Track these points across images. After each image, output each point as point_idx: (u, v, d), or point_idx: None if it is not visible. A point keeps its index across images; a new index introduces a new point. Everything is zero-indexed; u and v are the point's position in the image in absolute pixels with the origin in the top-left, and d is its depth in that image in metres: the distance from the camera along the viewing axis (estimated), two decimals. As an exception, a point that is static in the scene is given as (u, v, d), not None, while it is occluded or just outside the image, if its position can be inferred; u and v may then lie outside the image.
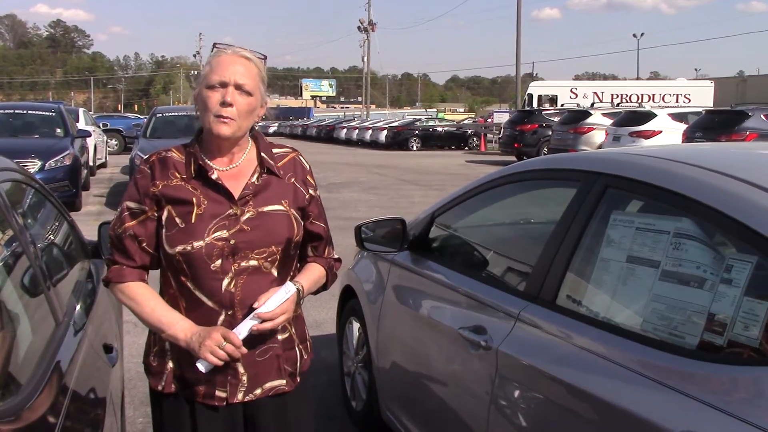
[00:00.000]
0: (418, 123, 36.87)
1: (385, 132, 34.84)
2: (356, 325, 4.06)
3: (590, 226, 2.34)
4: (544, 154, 17.96)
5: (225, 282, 1.98)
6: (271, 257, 2.03)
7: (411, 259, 3.38)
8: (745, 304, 1.75)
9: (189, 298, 2.01)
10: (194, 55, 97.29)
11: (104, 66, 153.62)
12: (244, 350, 1.96)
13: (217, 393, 2.04)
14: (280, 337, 2.09)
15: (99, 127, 22.97)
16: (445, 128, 35.16)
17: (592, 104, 26.92)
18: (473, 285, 2.83)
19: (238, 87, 1.96)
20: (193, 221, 1.98)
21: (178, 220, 1.99)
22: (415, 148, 33.54)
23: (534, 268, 2.51)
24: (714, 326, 1.81)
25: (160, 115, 14.10)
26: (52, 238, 2.92)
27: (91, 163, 16.86)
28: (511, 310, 2.46)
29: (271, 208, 2.04)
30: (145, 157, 2.12)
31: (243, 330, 1.96)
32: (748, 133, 14.17)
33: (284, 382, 2.11)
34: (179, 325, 1.98)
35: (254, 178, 2.05)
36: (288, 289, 2.01)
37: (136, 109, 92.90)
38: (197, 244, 1.96)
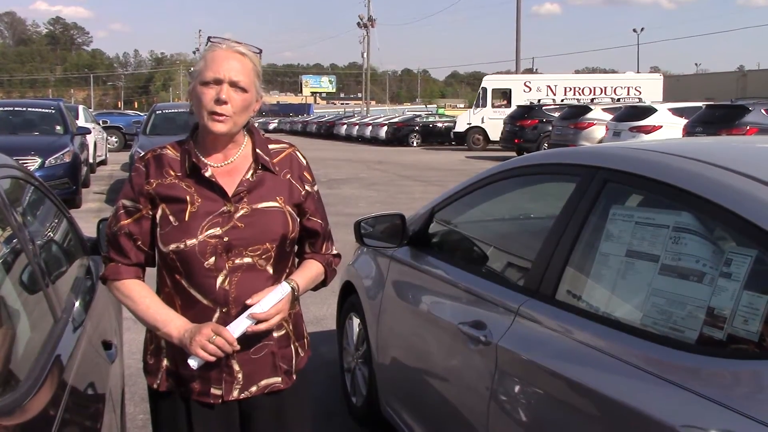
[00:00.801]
0: (418, 119, 36.88)
1: (385, 128, 34.85)
2: (356, 321, 4.06)
3: (590, 220, 2.33)
4: (545, 150, 17.93)
5: (219, 279, 1.97)
6: (265, 254, 2.02)
7: (411, 254, 3.38)
8: (744, 297, 1.75)
9: (184, 295, 2.01)
10: (194, 52, 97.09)
11: (104, 63, 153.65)
12: (237, 346, 1.95)
13: (212, 390, 2.03)
14: (275, 334, 2.08)
15: (99, 124, 22.98)
16: (446, 124, 35.15)
17: (539, 101, 26.76)
18: (473, 280, 2.82)
19: (233, 84, 1.95)
20: (186, 219, 1.97)
21: (172, 218, 1.98)
22: (415, 144, 33.57)
23: (533, 263, 2.51)
24: (714, 320, 1.80)
25: (160, 112, 14.09)
26: (51, 235, 2.92)
27: (91, 161, 16.85)
28: (511, 305, 2.46)
29: (266, 204, 2.03)
30: (141, 155, 2.11)
31: (237, 328, 1.94)
32: (748, 127, 14.15)
33: (279, 379, 2.10)
34: (173, 323, 1.98)
35: (249, 175, 2.04)
36: (283, 290, 2.00)
37: (135, 106, 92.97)
38: (190, 242, 1.95)
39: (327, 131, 43.62)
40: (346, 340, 4.26)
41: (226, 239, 1.97)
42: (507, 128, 25.11)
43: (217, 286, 1.98)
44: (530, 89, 30.46)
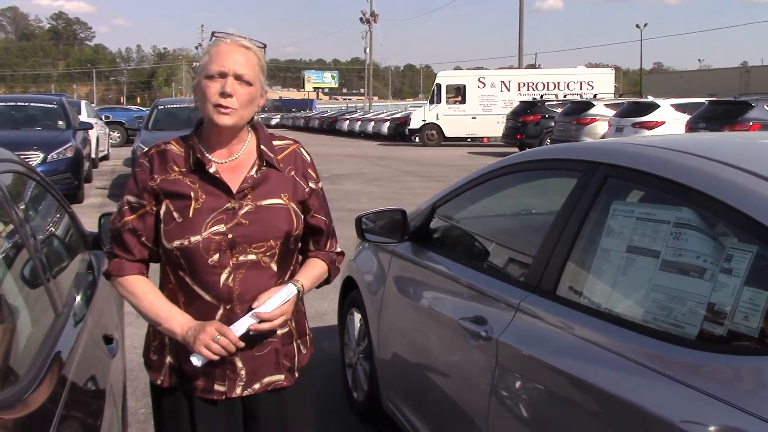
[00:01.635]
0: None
1: (387, 123, 34.78)
2: (357, 316, 4.06)
3: (590, 216, 2.33)
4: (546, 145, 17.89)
5: (223, 276, 1.97)
6: (269, 251, 2.01)
7: (412, 250, 3.37)
8: (745, 293, 1.74)
9: (187, 292, 2.01)
10: (196, 47, 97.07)
11: (106, 58, 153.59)
12: (241, 344, 1.95)
13: (216, 387, 2.03)
14: (279, 332, 2.08)
15: (101, 119, 22.97)
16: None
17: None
18: (474, 276, 2.82)
19: (238, 77, 1.94)
20: (190, 215, 1.97)
21: (175, 214, 1.98)
22: (417, 139, 33.47)
23: (534, 259, 2.51)
24: (714, 316, 1.80)
25: (162, 107, 14.07)
26: (53, 229, 2.92)
27: (93, 156, 16.87)
28: (512, 301, 2.46)
29: (270, 201, 2.02)
30: (145, 150, 2.11)
31: (240, 327, 1.95)
32: (751, 123, 14.10)
33: (282, 377, 2.10)
34: (176, 320, 1.97)
35: (253, 171, 2.03)
36: (289, 291, 2.01)
37: (138, 101, 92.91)
38: (194, 238, 1.95)
39: (329, 127, 43.58)
40: (347, 336, 4.27)
41: (230, 236, 1.96)
42: (509, 124, 25.06)
43: (221, 283, 1.97)
44: (484, 85, 30.33)
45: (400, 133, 33.66)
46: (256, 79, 1.98)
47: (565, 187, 2.50)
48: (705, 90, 33.51)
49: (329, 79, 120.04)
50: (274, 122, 52.29)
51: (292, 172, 2.09)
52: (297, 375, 2.14)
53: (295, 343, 2.14)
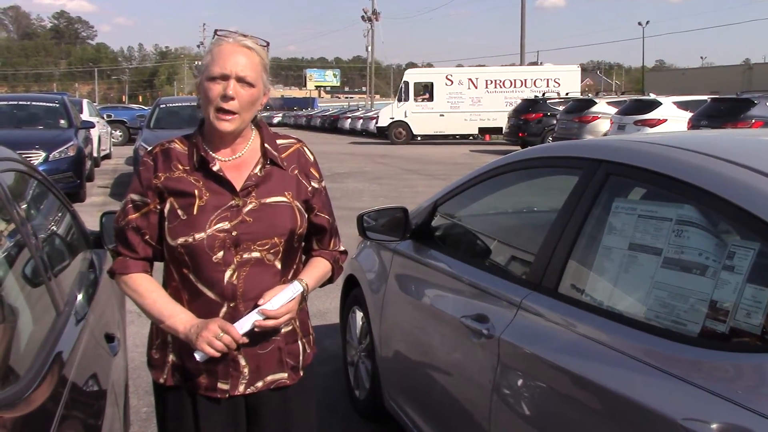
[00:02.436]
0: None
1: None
2: (359, 315, 4.06)
3: (592, 213, 2.32)
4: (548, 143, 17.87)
5: (227, 274, 1.97)
6: (273, 249, 2.02)
7: (413, 248, 3.37)
8: (747, 291, 1.74)
9: (191, 290, 2.01)
10: (198, 46, 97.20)
11: (108, 57, 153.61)
12: (245, 340, 1.96)
13: (220, 385, 2.03)
14: (283, 330, 2.08)
15: (103, 118, 22.97)
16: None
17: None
18: (475, 274, 2.82)
19: (240, 79, 1.93)
20: (194, 213, 1.97)
21: (180, 212, 1.98)
22: (419, 137, 33.43)
23: (536, 257, 2.50)
24: (716, 313, 1.80)
25: (164, 105, 14.08)
26: (54, 228, 2.92)
27: (95, 154, 16.87)
28: (513, 299, 2.45)
29: (274, 199, 2.02)
30: (149, 149, 2.11)
31: (245, 324, 1.94)
32: (753, 120, 14.07)
33: (286, 375, 2.10)
34: (179, 317, 1.97)
35: (257, 169, 2.03)
36: (295, 289, 2.01)
37: (140, 100, 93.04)
38: (199, 236, 1.95)
39: (331, 125, 43.56)
40: (349, 334, 4.27)
41: (234, 233, 1.96)
42: (511, 122, 25.04)
43: (225, 281, 1.97)
44: (452, 82, 30.26)
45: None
46: (258, 79, 1.98)
47: (567, 184, 2.49)
48: (707, 87, 33.44)
49: (331, 78, 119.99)
50: (276, 120, 52.28)
51: (296, 171, 2.09)
52: (301, 374, 2.14)
53: (299, 342, 2.14)
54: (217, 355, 1.93)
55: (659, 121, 17.36)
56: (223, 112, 1.94)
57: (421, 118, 29.81)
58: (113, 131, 25.36)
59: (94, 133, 16.65)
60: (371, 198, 12.74)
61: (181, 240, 1.96)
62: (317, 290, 2.21)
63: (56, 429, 1.60)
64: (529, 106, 24.92)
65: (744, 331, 1.72)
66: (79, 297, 2.51)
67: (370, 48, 67.41)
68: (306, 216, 2.10)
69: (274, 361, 2.07)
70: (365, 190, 14.14)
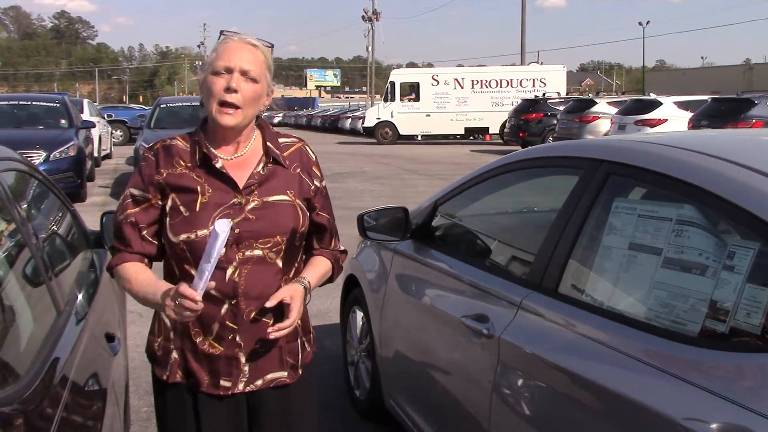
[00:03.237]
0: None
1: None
2: (359, 315, 4.06)
3: (592, 213, 2.32)
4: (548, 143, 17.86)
5: (229, 271, 1.97)
6: (275, 247, 2.02)
7: (414, 247, 3.37)
8: (747, 290, 1.74)
9: None
10: (198, 46, 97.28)
11: (109, 57, 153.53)
12: (201, 305, 1.83)
13: (222, 382, 2.04)
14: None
15: (103, 118, 22.98)
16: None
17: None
18: (476, 273, 2.82)
19: (244, 73, 1.95)
20: (197, 210, 1.97)
21: (182, 208, 1.98)
22: (419, 137, 33.43)
23: (536, 257, 2.50)
24: (716, 313, 1.80)
25: (164, 105, 14.09)
26: (54, 228, 2.92)
27: (95, 154, 16.87)
28: (514, 299, 2.45)
29: (276, 197, 2.03)
30: (150, 145, 2.11)
31: (200, 283, 1.82)
32: (754, 120, 14.07)
33: (285, 374, 2.10)
34: (160, 291, 1.92)
35: (259, 168, 2.04)
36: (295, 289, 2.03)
37: (141, 100, 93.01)
38: (201, 232, 1.95)
39: (331, 125, 43.56)
40: (349, 334, 4.27)
41: (237, 231, 1.96)
42: (512, 122, 25.04)
43: (227, 278, 1.97)
44: (438, 83, 30.22)
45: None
46: (262, 76, 1.99)
47: (567, 184, 2.49)
48: (708, 87, 33.47)
49: (331, 78, 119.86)
50: (276, 120, 52.31)
51: (298, 170, 2.10)
52: (300, 372, 2.14)
53: (299, 340, 2.15)
54: (184, 319, 1.86)
55: (660, 121, 17.36)
56: (226, 106, 1.94)
57: (407, 118, 29.78)
58: (114, 131, 25.37)
59: (95, 132, 16.65)
60: (372, 198, 12.74)
61: (183, 236, 1.97)
62: (317, 290, 2.21)
63: (56, 429, 1.60)
64: (530, 106, 24.90)
65: (744, 330, 1.72)
66: (80, 297, 2.51)
67: (370, 48, 67.38)
68: (308, 215, 2.11)
69: (275, 360, 2.08)
70: (366, 190, 14.14)
